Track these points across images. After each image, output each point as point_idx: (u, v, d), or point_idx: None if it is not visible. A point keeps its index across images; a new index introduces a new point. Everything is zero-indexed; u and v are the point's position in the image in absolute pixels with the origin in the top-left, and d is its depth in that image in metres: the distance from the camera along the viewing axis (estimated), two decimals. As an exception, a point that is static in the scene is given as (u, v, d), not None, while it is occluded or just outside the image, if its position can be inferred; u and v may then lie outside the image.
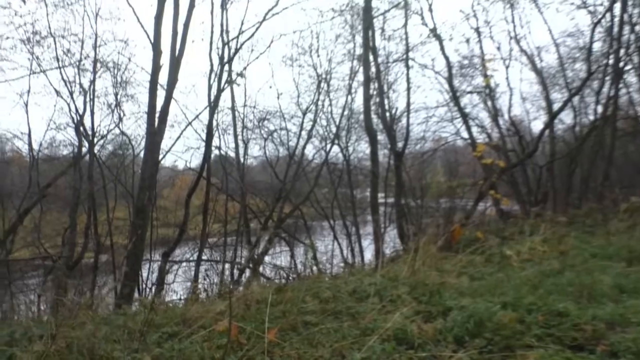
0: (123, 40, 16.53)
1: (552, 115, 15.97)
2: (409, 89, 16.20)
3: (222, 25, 15.10)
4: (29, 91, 15.83)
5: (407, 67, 16.22)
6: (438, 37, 16.06)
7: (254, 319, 4.40)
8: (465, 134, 17.81)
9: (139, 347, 3.81)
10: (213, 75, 14.44)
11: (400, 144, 15.68)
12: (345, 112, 18.60)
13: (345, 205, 19.86)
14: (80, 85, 15.94)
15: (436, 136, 19.92)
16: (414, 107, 17.36)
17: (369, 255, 17.74)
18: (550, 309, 4.08)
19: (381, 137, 16.52)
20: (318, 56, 18.38)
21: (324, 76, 18.35)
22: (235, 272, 14.10)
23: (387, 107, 16.36)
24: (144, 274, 13.16)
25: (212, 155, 15.67)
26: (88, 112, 16.01)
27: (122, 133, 17.96)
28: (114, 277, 13.76)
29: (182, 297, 9.16)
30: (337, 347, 3.49)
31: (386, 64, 17.09)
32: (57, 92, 15.66)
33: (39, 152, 17.00)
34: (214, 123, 14.75)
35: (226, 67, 14.68)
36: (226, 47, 14.84)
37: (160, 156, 11.68)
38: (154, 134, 10.71)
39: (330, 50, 18.80)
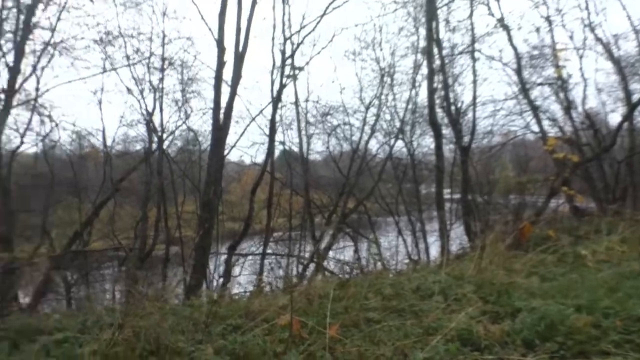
0: (188, 38, 17.01)
1: (632, 107, 15.02)
2: (475, 81, 15.78)
3: (283, 20, 15.24)
4: (102, 89, 16.64)
5: (473, 59, 15.77)
6: (505, 27, 15.43)
7: (316, 314, 4.37)
8: (535, 128, 17.06)
9: (202, 339, 3.88)
10: (275, 71, 14.62)
11: (466, 138, 15.28)
12: (409, 106, 18.30)
13: (409, 201, 19.57)
14: (150, 82, 16.58)
15: (504, 130, 19.22)
16: (481, 100, 16.75)
17: (434, 252, 17.45)
18: (629, 313, 3.81)
19: (446, 131, 16.13)
20: (381, 50, 18.18)
21: (387, 70, 18.13)
22: (300, 266, 14.19)
23: (452, 100, 15.91)
24: (211, 267, 13.49)
25: (276, 151, 15.87)
26: (157, 109, 16.67)
27: (190, 129, 18.52)
28: (183, 269, 14.20)
29: (247, 290, 9.30)
30: (399, 346, 3.41)
31: (451, 56, 16.64)
32: (129, 90, 16.34)
33: (112, 148, 17.85)
34: (277, 118, 14.94)
35: (288, 62, 14.80)
36: (288, 42, 14.96)
37: (226, 151, 11.93)
38: (219, 129, 10.94)
39: (394, 43, 18.58)
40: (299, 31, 15.03)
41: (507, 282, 5.19)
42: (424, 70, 16.98)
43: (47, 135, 16.03)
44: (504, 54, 16.26)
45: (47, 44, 13.38)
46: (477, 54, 15.88)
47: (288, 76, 14.67)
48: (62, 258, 13.36)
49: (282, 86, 14.17)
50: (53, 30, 13.40)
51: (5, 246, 12.23)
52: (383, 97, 18.00)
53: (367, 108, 17.75)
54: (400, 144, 18.94)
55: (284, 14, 15.32)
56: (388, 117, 18.74)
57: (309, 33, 15.19)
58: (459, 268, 6.34)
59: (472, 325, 3.71)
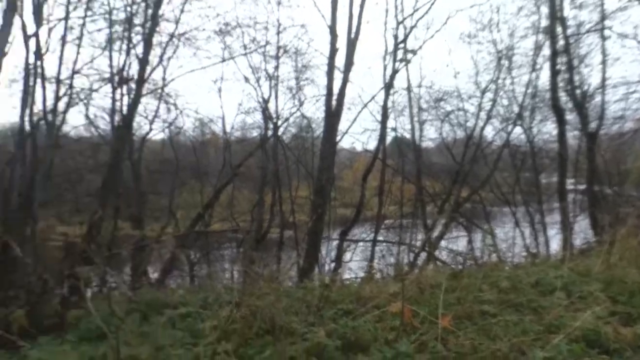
0: (302, 25, 17.30)
1: None
2: (604, 62, 14.46)
3: (396, 4, 15.01)
4: (221, 78, 17.44)
5: (603, 37, 14.44)
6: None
7: (427, 303, 4.30)
8: (675, 112, 15.36)
9: (315, 321, 3.95)
10: (388, 56, 14.46)
11: (593, 124, 14.12)
12: (529, 90, 17.24)
13: (528, 191, 18.55)
14: (266, 71, 17.13)
15: (638, 115, 17.55)
16: (611, 83, 15.34)
17: (554, 246, 16.44)
18: None
19: (570, 116, 14.99)
20: (498, 31, 17.25)
21: (504, 52, 17.21)
22: (410, 255, 14.04)
23: (577, 83, 14.74)
24: (323, 251, 13.75)
25: (388, 137, 15.75)
26: (273, 97, 17.21)
27: (303, 116, 18.91)
28: (296, 252, 14.63)
29: (358, 276, 9.37)
30: (516, 342, 3.24)
31: (577, 36, 15.37)
32: (246, 79, 17.01)
33: (231, 134, 18.73)
34: (389, 104, 14.79)
35: (401, 47, 14.57)
36: (400, 26, 14.71)
37: (338, 138, 12.05)
38: (332, 116, 11.06)
39: (512, 24, 17.47)
40: (412, 14, 14.74)
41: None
42: (546, 51, 16.04)
43: (173, 122, 17.19)
44: (639, 31, 14.74)
45: (172, 35, 14.30)
46: (607, 32, 14.56)
47: (401, 60, 14.45)
48: (186, 238, 14.31)
49: (395, 72, 14.00)
50: (177, 22, 14.30)
51: (137, 225, 13.36)
52: (500, 81, 17.15)
53: (483, 93, 17.02)
54: (518, 130, 17.97)
55: (396, -2, 15.06)
56: (505, 102, 17.87)
57: (423, 16, 14.83)
58: (584, 264, 5.95)
59: (600, 326, 3.46)
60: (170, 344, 3.51)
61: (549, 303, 4.28)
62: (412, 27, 14.78)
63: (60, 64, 11.44)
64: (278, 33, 16.89)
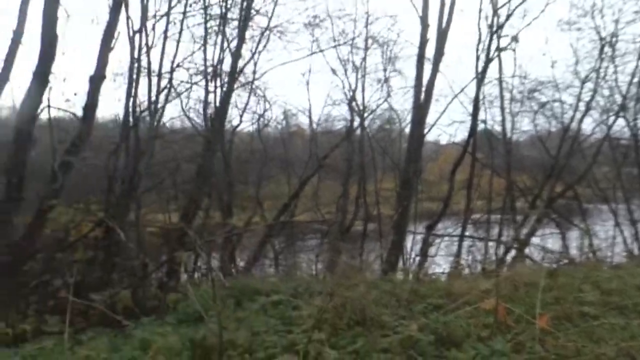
0: (392, 16, 17.10)
1: None
2: None
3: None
4: (309, 70, 17.65)
5: None
6: None
7: (522, 302, 4.16)
8: None
9: (405, 315, 3.93)
10: (481, 46, 13.99)
11: None
12: (635, 79, 16.04)
13: (630, 187, 17.32)
14: (353, 63, 17.13)
15: None
16: None
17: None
18: None
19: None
20: (602, 17, 16.14)
21: (608, 39, 16.10)
22: (500, 251, 13.57)
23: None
24: (408, 245, 13.62)
25: (478, 129, 15.28)
26: (360, 89, 17.20)
27: (390, 108, 18.74)
28: (380, 245, 14.58)
29: (445, 271, 9.20)
30: (624, 347, 3.05)
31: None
32: (333, 71, 17.10)
33: (317, 126, 18.94)
34: (481, 95, 14.32)
35: (495, 36, 14.04)
36: (496, 14, 14.16)
37: (426, 130, 11.86)
38: (420, 108, 10.90)
39: (618, 8, 16.29)
40: (508, 1, 14.13)
41: None
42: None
43: (262, 114, 17.63)
44: None
45: (265, 29, 14.63)
46: None
47: (498, 49, 13.90)
48: (272, 227, 14.66)
49: (489, 60, 13.51)
50: (270, 16, 14.59)
51: (227, 214, 13.84)
52: (602, 70, 16.07)
53: (583, 82, 15.95)
54: (621, 122, 16.79)
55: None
56: (607, 92, 16.70)
57: (521, 3, 14.16)
58: None
59: None
60: (265, 330, 3.63)
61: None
62: (509, 15, 14.14)
63: (162, 58, 12.08)
64: (367, 25, 16.85)
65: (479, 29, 14.07)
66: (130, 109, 10.91)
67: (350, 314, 3.82)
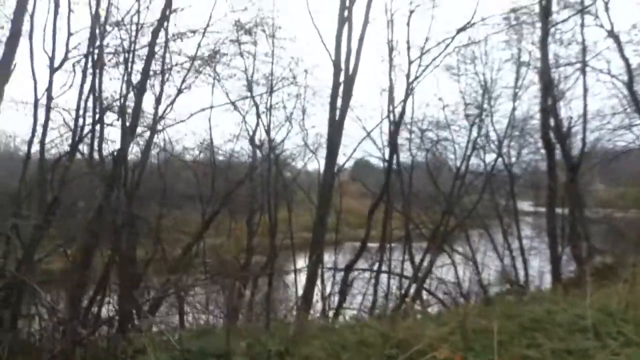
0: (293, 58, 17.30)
1: None
2: (585, 95, 15.01)
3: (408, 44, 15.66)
4: (211, 106, 17.24)
5: (584, 72, 14.97)
6: (616, 38, 14.49)
7: (474, 348, 4.31)
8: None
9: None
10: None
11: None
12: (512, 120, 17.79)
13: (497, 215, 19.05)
14: (253, 99, 17.15)
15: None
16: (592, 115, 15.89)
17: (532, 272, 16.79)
18: None
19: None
20: (485, 64, 17.74)
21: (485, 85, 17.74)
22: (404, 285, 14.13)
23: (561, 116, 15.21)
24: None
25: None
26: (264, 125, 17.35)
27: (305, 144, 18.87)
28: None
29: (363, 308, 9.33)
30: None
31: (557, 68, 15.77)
32: (234, 106, 17.08)
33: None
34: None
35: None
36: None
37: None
38: (333, 147, 11.17)
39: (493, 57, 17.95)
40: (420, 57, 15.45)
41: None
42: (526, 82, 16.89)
43: (164, 149, 17.10)
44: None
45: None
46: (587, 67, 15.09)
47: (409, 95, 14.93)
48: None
49: (402, 113, 14.73)
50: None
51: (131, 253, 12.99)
52: (485, 112, 17.60)
53: (472, 125, 17.40)
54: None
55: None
56: (490, 132, 18.29)
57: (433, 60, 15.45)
58: (599, 300, 6.03)
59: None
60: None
61: (589, 346, 4.33)
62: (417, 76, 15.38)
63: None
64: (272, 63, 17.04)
65: (391, 79, 15.23)
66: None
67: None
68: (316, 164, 18.85)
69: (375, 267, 14.82)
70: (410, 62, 15.36)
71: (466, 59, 17.71)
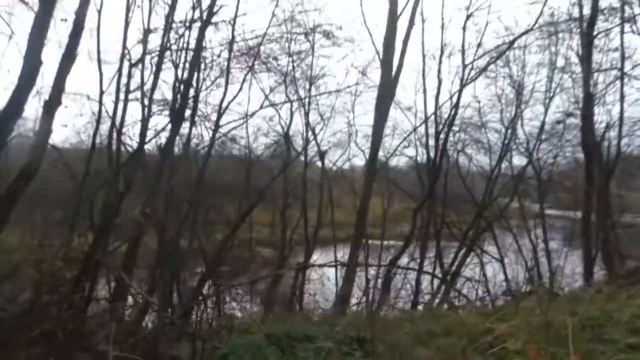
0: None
1: None
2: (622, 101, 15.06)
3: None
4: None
5: (622, 78, 15.01)
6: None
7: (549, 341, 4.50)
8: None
9: None
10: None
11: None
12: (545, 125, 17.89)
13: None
14: (288, 97, 17.49)
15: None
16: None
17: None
18: None
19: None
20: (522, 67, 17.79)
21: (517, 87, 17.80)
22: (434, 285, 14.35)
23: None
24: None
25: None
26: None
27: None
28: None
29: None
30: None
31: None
32: (271, 103, 17.27)
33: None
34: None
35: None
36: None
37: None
38: (375, 143, 11.42)
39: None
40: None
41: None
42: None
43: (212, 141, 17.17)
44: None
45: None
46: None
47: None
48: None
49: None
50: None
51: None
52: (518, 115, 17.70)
53: (507, 128, 17.52)
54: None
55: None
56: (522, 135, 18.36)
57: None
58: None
59: None
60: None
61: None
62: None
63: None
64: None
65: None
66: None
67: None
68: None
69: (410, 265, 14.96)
70: (464, 66, 15.58)
71: (501, 62, 17.78)
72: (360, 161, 19.74)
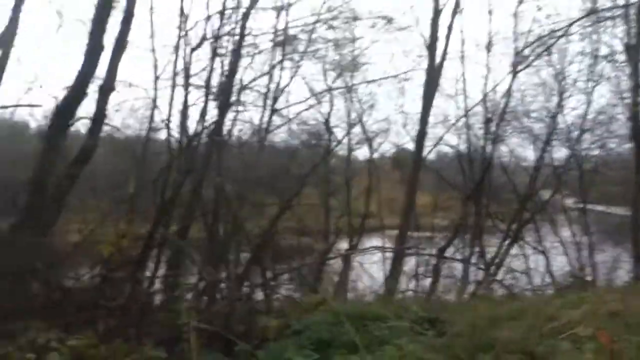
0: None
1: None
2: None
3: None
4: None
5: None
6: None
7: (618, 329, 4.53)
8: None
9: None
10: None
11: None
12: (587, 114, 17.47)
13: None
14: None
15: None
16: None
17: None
18: None
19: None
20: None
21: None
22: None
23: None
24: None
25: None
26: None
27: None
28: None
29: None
30: None
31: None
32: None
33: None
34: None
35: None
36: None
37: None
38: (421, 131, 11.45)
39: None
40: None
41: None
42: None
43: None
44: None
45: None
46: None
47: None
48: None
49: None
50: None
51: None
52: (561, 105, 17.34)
53: (552, 117, 17.21)
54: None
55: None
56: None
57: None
58: None
59: None
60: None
61: None
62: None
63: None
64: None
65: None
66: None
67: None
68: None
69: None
70: (516, 53, 15.47)
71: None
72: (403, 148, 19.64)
